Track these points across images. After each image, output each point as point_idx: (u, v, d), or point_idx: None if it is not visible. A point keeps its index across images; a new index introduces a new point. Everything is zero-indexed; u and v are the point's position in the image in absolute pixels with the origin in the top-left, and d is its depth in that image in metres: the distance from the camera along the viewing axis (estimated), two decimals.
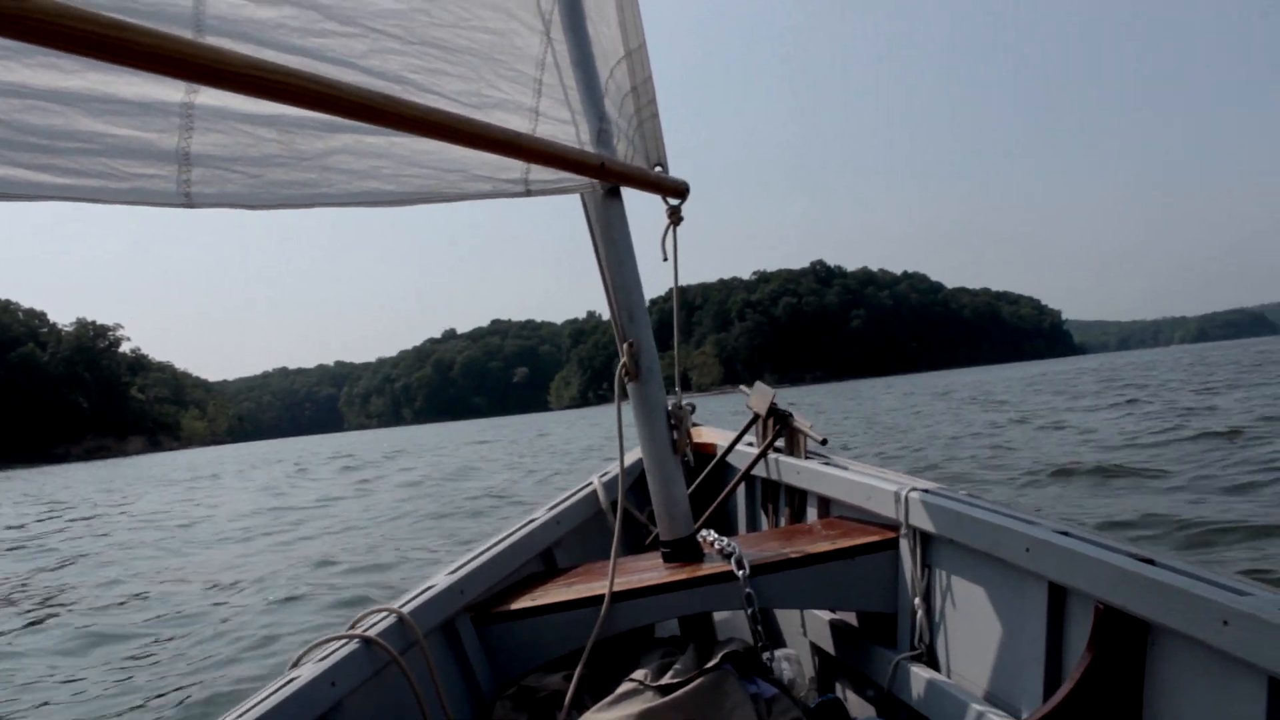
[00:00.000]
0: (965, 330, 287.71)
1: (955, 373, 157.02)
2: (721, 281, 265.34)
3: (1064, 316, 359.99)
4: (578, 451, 24.77)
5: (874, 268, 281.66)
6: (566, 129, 2.29)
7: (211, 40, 1.54)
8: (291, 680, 1.89)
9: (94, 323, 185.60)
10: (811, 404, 42.56)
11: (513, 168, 2.16)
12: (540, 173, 2.20)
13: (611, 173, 2.19)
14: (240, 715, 1.76)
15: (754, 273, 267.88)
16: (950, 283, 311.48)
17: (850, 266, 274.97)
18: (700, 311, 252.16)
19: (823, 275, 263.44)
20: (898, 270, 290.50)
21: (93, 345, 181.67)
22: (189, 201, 1.64)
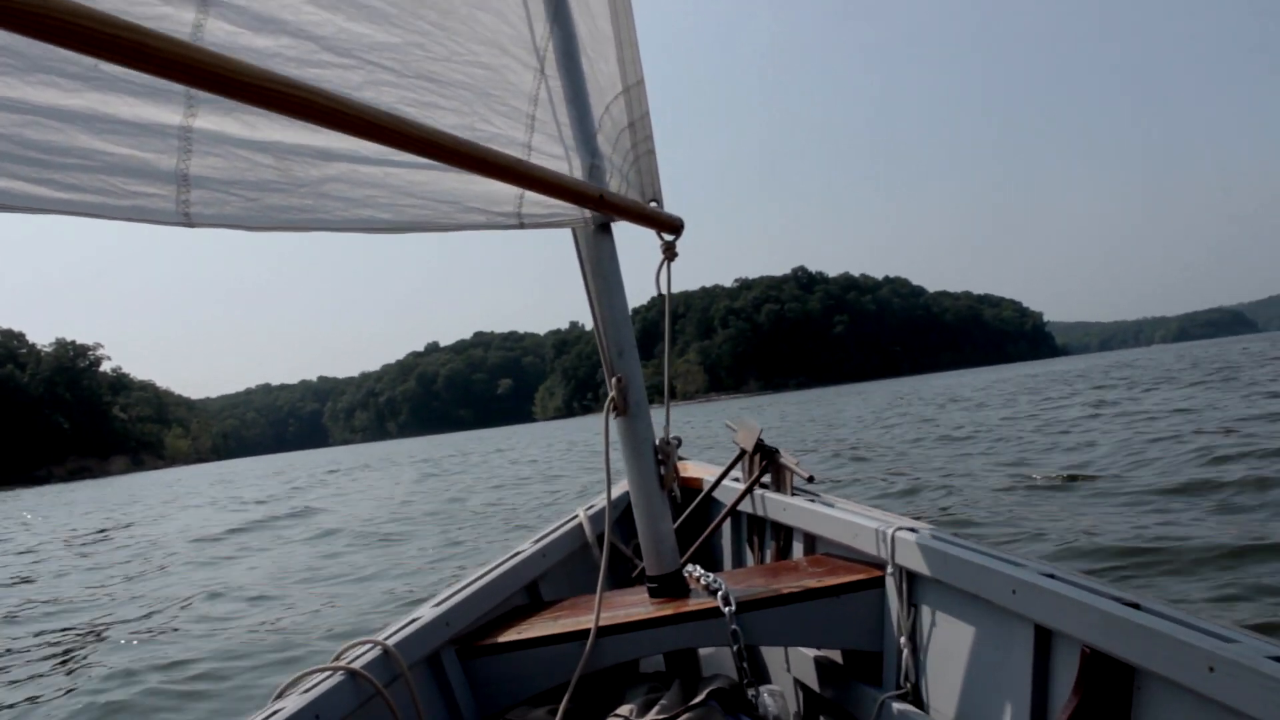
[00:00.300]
0: (948, 334, 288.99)
1: (938, 376, 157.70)
2: (704, 289, 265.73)
3: (1046, 318, 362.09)
4: (528, 467, 24.87)
5: (855, 273, 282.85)
6: (559, 164, 2.29)
7: None
8: (275, 713, 1.87)
9: (73, 342, 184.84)
10: (794, 410, 42.55)
11: (506, 201, 2.17)
12: (533, 206, 2.21)
13: (609, 205, 2.20)
14: None
15: (736, 280, 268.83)
16: (932, 286, 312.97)
17: (832, 272, 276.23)
18: (683, 320, 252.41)
19: (804, 281, 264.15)
20: (879, 275, 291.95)
21: (73, 365, 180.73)
22: (188, 221, 1.65)
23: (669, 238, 2.52)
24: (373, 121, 1.42)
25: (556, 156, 2.30)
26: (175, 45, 1.11)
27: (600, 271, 2.37)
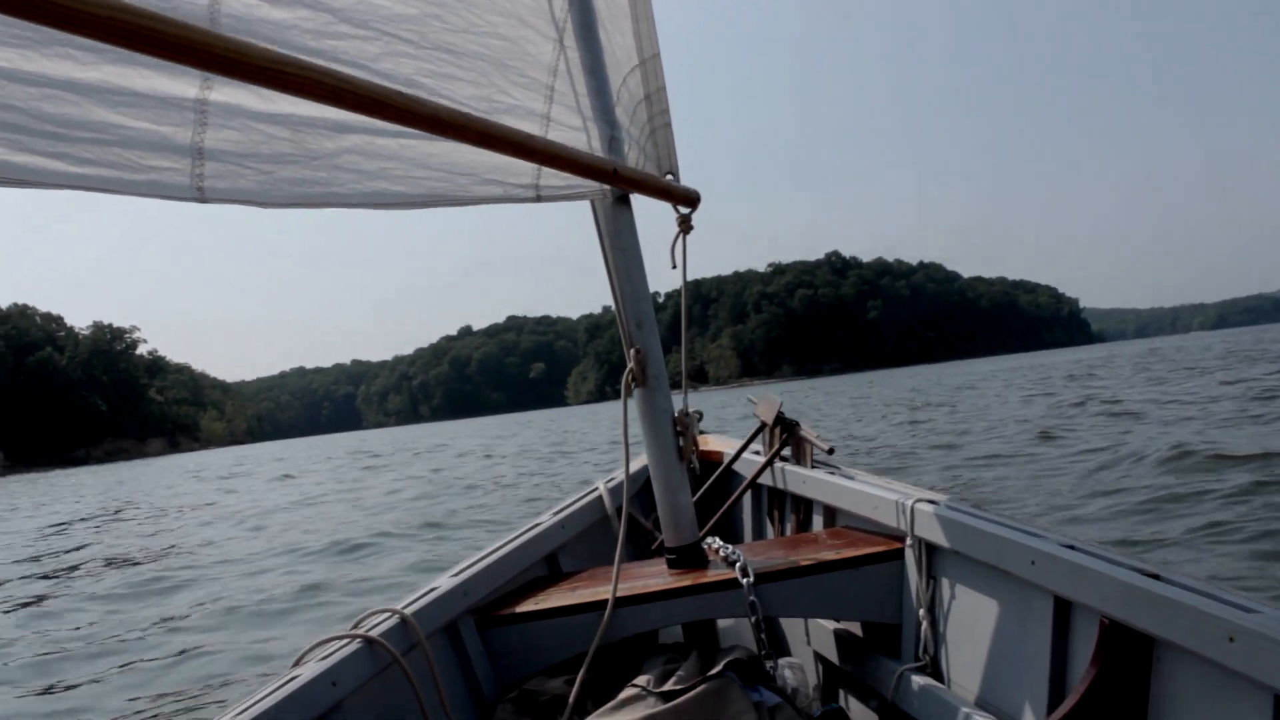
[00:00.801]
0: (983, 320, 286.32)
1: (974, 362, 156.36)
2: (736, 274, 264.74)
3: (1081, 304, 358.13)
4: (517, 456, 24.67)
5: (889, 258, 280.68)
6: (578, 135, 2.29)
7: None
8: (293, 679, 1.89)
9: (110, 325, 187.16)
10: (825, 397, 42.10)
11: (524, 173, 2.17)
12: (551, 178, 2.20)
13: (624, 178, 2.19)
14: (240, 713, 1.75)
15: (769, 265, 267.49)
16: (966, 272, 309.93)
17: (865, 257, 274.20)
18: (716, 304, 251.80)
19: (838, 266, 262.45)
20: (913, 260, 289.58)
21: (110, 348, 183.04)
22: (201, 196, 1.65)
23: (685, 211, 2.50)
24: (382, 100, 1.42)
25: (575, 128, 2.29)
26: (188, 31, 1.11)
27: (619, 244, 2.37)
